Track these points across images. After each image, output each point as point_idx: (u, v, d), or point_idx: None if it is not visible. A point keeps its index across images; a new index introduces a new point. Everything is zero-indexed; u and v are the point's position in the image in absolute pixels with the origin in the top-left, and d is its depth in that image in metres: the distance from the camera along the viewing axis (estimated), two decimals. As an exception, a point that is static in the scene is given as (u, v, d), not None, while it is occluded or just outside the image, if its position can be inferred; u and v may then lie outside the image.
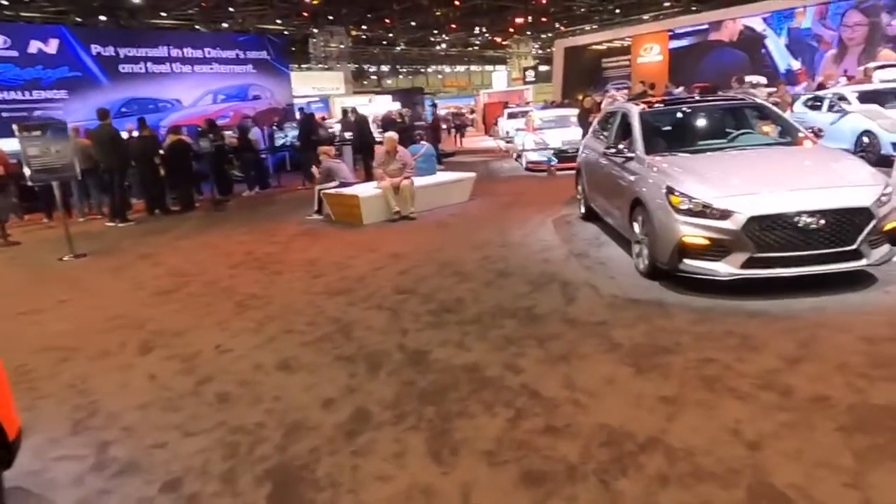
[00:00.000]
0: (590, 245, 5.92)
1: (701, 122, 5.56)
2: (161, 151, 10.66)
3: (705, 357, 3.26)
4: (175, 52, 16.05)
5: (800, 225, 3.83)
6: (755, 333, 3.50)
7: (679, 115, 5.70)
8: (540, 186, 10.48)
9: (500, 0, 29.86)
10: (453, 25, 34.96)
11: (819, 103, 10.52)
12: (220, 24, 30.58)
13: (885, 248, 4.03)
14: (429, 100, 19.96)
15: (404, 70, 52.44)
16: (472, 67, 56.53)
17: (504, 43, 43.91)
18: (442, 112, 34.68)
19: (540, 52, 45.37)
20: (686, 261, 4.15)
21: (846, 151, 9.69)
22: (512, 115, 20.42)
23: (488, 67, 54.12)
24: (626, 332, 3.72)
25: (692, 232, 4.07)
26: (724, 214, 3.95)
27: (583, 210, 6.99)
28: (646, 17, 34.33)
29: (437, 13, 32.29)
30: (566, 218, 7.36)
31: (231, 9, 29.14)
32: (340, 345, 3.94)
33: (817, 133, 5.07)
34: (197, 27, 29.13)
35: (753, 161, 4.58)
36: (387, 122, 17.04)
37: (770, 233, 3.87)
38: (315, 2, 29.15)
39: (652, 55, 26.68)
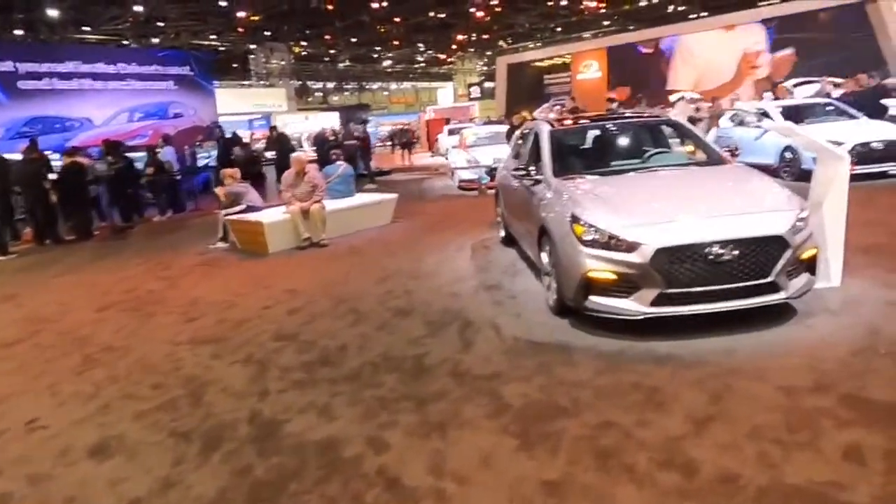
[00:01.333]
0: (504, 274, 5.42)
1: (614, 142, 5.19)
2: (53, 175, 9.61)
3: (604, 420, 2.75)
4: (85, 68, 14.87)
5: (711, 257, 3.42)
6: (663, 385, 3.03)
7: (592, 133, 5.30)
8: (469, 207, 10.01)
9: (442, 17, 29.71)
10: (396, 42, 34.65)
11: (743, 120, 10.51)
12: (151, 40, 29.23)
13: (804, 277, 3.68)
14: (360, 116, 19.31)
15: (349, 87, 51.74)
16: (420, 84, 56.43)
17: (449, 60, 43.99)
18: (387, 129, 34.26)
19: (485, 68, 45.69)
20: (592, 298, 3.68)
21: (769, 167, 9.85)
22: (452, 132, 20.06)
23: (435, 84, 54.18)
24: (521, 387, 3.18)
25: (598, 266, 3.60)
26: (631, 246, 3.51)
27: (503, 234, 6.52)
28: (586, 34, 35.03)
29: (382, 30, 31.90)
30: (487, 242, 6.86)
31: (160, 23, 27.89)
32: (182, 415, 3.23)
33: (733, 152, 4.75)
34: (125, 43, 27.70)
35: (665, 185, 4.18)
36: (319, 140, 16.36)
37: (680, 266, 3.44)
38: (255, 18, 28.26)
39: (591, 72, 27.03)
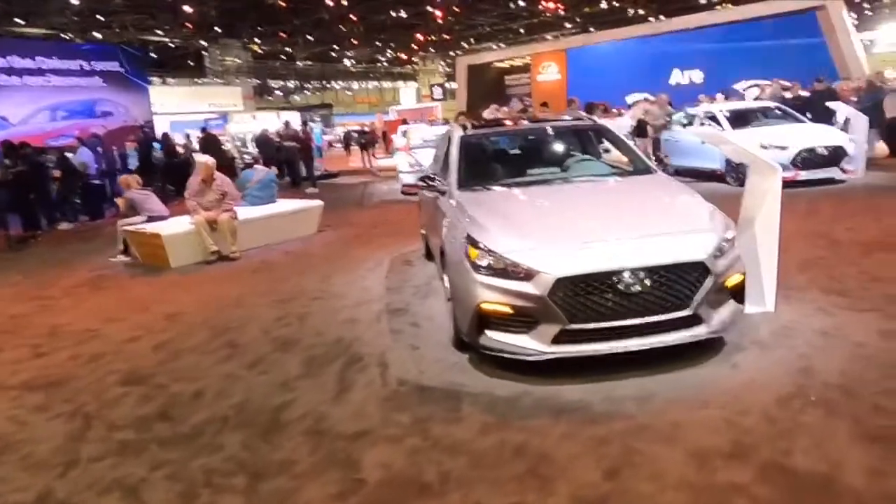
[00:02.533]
0: (415, 296, 4.83)
1: (533, 149, 4.65)
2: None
3: (472, 504, 2.18)
4: (-4, 62, 13.64)
5: (620, 287, 2.88)
6: (554, 451, 2.47)
7: (508, 139, 4.75)
8: (407, 213, 9.34)
9: (402, 17, 29.02)
10: (355, 41, 33.82)
11: (692, 122, 10.20)
12: (93, 34, 27.77)
13: (730, 307, 3.18)
14: (301, 116, 18.25)
15: (310, 86, 50.58)
16: (385, 84, 55.60)
17: (413, 60, 43.36)
18: (340, 130, 33.33)
19: (448, 69, 45.20)
20: (488, 333, 3.11)
21: (716, 171, 9.52)
22: (406, 134, 19.41)
23: (400, 84, 53.44)
24: (387, 451, 2.58)
25: (492, 297, 3.03)
26: (529, 274, 2.95)
27: (424, 247, 5.93)
28: (549, 36, 34.89)
29: (343, 29, 31.03)
30: (411, 256, 6.26)
31: (101, 17, 26.47)
32: (-48, 498, 2.52)
33: (663, 159, 4.25)
34: (67, 37, 26.18)
35: (578, 200, 3.64)
36: (261, 142, 15.53)
37: (585, 298, 2.90)
38: (206, 13, 27.08)
39: (550, 73, 26.83)
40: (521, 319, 3.00)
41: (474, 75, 28.66)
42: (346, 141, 26.94)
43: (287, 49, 36.49)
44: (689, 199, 3.51)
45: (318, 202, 8.22)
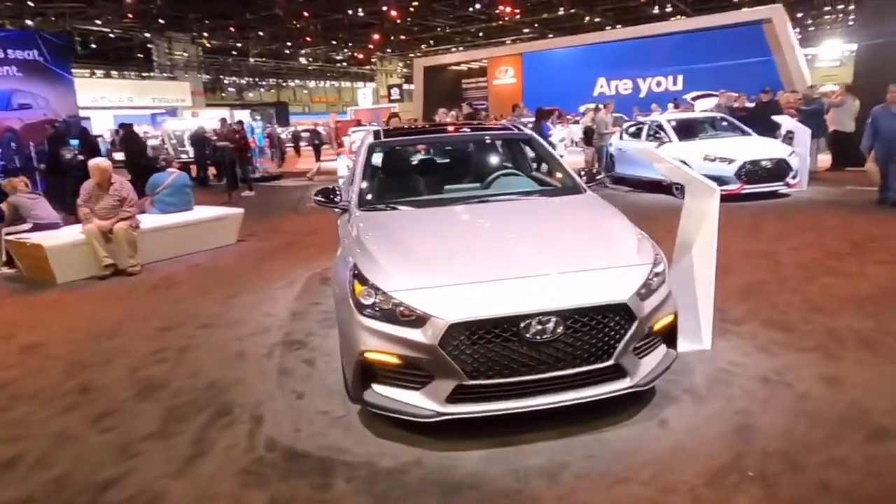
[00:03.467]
0: (322, 323, 4.23)
1: (453, 160, 4.13)
2: None
3: None
4: None
5: (527, 335, 2.38)
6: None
7: (423, 149, 4.22)
8: (341, 222, 8.76)
9: (358, 16, 28.24)
10: (308, 39, 32.83)
11: (640, 132, 9.94)
12: (26, 22, 25.96)
13: (660, 354, 2.73)
14: (245, 114, 17.30)
15: (265, 83, 49.09)
16: (344, 84, 54.51)
17: (371, 60, 42.60)
18: (296, 130, 32.27)
19: (406, 70, 44.67)
20: (375, 388, 2.56)
21: (663, 182, 9.27)
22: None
23: (359, 84, 52.50)
24: (219, 555, 1.99)
25: (377, 345, 2.49)
26: (420, 319, 2.42)
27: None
28: (508, 41, 34.77)
29: (298, 26, 29.99)
30: (330, 273, 5.65)
31: (33, 4, 24.74)
32: None
33: (594, 176, 3.80)
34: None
35: (493, 224, 3.12)
36: (197, 140, 14.59)
37: (485, 348, 2.39)
38: (147, 3, 25.65)
39: (507, 77, 26.68)
40: (412, 373, 2.47)
41: (431, 78, 28.24)
42: (295, 141, 25.96)
43: (238, 44, 35.11)
44: (615, 225, 3.03)
45: (237, 210, 7.50)
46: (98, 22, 28.06)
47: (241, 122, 12.70)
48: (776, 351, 3.32)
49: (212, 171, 15.07)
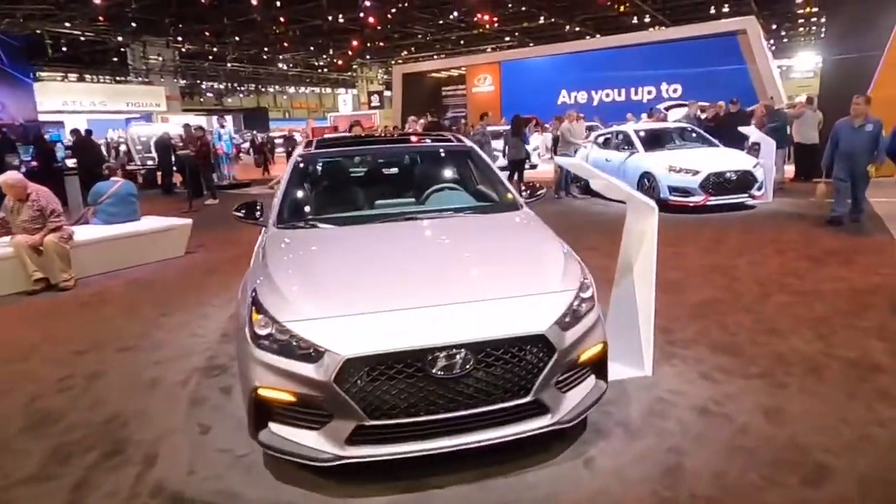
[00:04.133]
0: (251, 346, 3.96)
1: (389, 173, 3.91)
2: None
3: None
4: None
5: (434, 370, 2.16)
6: None
7: (357, 161, 3.98)
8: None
9: (337, 23, 28.01)
10: (286, 44, 32.52)
11: (608, 141, 9.83)
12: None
13: (586, 387, 2.52)
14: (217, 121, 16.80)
15: (244, 89, 48.57)
16: (325, 90, 54.18)
17: (352, 66, 42.40)
18: (273, 135, 31.84)
19: (387, 77, 44.52)
20: (272, 427, 2.31)
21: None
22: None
23: (340, 90, 52.23)
24: None
25: (272, 381, 2.24)
26: (316, 352, 2.18)
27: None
28: (489, 48, 34.79)
29: (276, 31, 29.66)
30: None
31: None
32: None
33: (535, 190, 3.59)
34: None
35: (416, 245, 2.88)
36: (161, 147, 14.20)
37: (387, 385, 2.16)
38: (131, 6, 25.15)
39: (485, 85, 26.72)
40: (309, 412, 2.23)
41: (411, 85, 28.15)
42: (259, 148, 23.14)
43: (214, 49, 34.66)
44: (543, 247, 2.81)
45: (186, 220, 7.20)
46: (68, 25, 27.44)
47: (201, 128, 12.31)
48: (720, 378, 3.14)
49: (178, 178, 14.69)
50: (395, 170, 3.94)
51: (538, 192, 3.56)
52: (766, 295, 4.49)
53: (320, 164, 3.77)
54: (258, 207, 3.37)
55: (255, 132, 27.05)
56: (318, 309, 2.29)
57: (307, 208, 3.36)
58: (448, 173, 3.82)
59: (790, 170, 10.81)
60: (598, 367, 2.56)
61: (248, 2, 23.68)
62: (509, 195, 3.43)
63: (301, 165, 3.54)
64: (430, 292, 2.35)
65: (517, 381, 2.26)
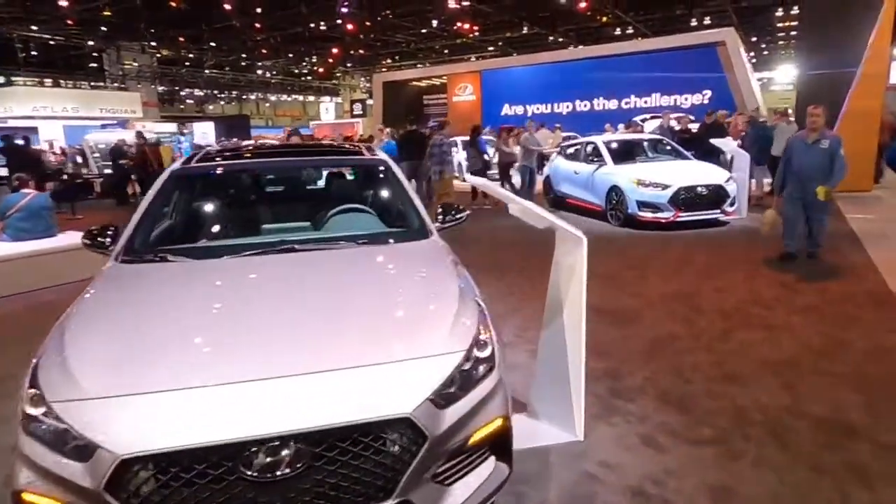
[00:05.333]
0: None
1: (285, 191, 3.34)
2: None
3: None
4: None
5: (251, 472, 1.59)
6: None
7: (242, 178, 3.38)
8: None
9: (322, 30, 27.50)
10: (264, 51, 31.97)
11: (578, 153, 9.35)
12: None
13: (482, 472, 1.95)
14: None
15: (224, 96, 47.86)
16: (309, 98, 53.57)
17: (335, 74, 41.94)
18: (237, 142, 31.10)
19: (370, 85, 44.10)
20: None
21: (598, 208, 8.64)
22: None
23: (324, 98, 51.71)
24: None
25: (37, 483, 1.66)
26: (89, 448, 1.60)
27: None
28: (473, 57, 34.49)
29: (257, 38, 29.09)
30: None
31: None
32: None
33: (455, 214, 3.02)
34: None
35: (274, 287, 2.27)
36: (115, 155, 13.52)
37: (185, 493, 1.58)
38: (107, 12, 24.49)
39: (466, 94, 26.37)
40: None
41: (391, 93, 27.72)
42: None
43: (190, 55, 34.03)
44: (436, 290, 2.24)
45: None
46: (34, 28, 26.66)
47: (140, 135, 11.65)
48: (665, 443, 2.60)
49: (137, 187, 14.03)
50: (296, 188, 3.37)
51: (457, 217, 2.99)
52: (730, 330, 3.97)
53: (198, 180, 3.18)
54: (110, 232, 2.77)
55: (223, 140, 26.27)
56: (100, 385, 1.71)
57: (165, 236, 2.77)
58: (356, 193, 3.25)
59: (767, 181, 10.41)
60: (499, 446, 2.00)
61: (224, 7, 23.16)
62: (417, 221, 2.87)
63: (170, 183, 2.95)
64: (259, 360, 1.78)
65: (375, 479, 1.69)
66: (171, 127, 32.05)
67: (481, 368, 1.96)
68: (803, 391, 3.05)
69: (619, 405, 2.96)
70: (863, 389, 3.04)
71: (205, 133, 31.30)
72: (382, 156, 3.25)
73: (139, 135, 11.50)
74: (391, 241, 2.71)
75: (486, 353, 2.00)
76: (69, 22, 25.58)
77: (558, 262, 2.72)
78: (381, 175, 3.21)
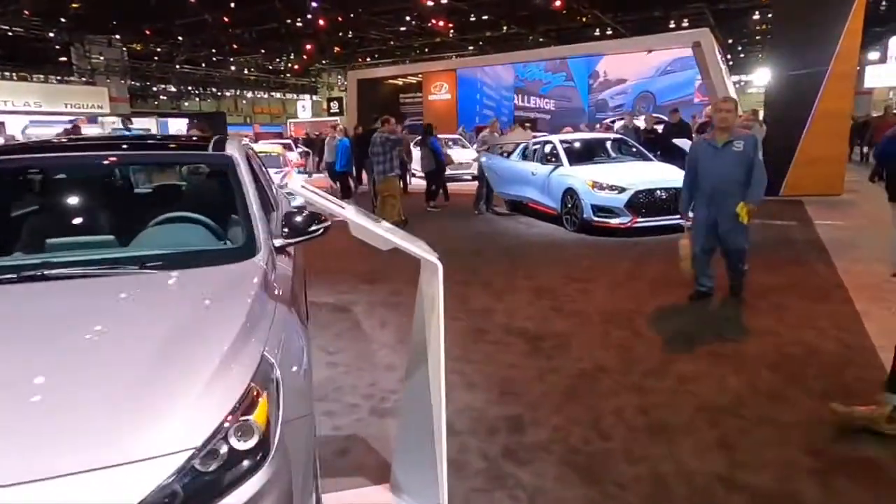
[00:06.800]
0: None
1: (94, 195, 2.64)
2: None
3: None
4: None
5: None
6: None
7: (24, 175, 2.62)
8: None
9: (297, 27, 26.73)
10: (235, 46, 31.06)
11: (535, 152, 8.72)
12: None
13: None
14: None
15: (198, 92, 46.69)
16: (289, 95, 52.55)
17: (312, 71, 41.11)
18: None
19: (346, 83, 43.32)
20: None
21: (554, 211, 8.02)
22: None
23: (304, 96, 50.77)
24: None
25: None
26: None
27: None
28: (453, 56, 33.93)
29: (231, 32, 28.19)
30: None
31: None
32: None
33: (300, 227, 2.31)
34: None
35: (26, 341, 1.56)
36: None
37: None
38: (75, 4, 23.46)
39: (441, 93, 25.81)
40: None
41: (366, 91, 27.02)
42: None
43: (159, 50, 32.99)
44: (193, 353, 1.50)
45: None
46: (-5, 19, 25.51)
47: (75, 126, 10.81)
48: (552, 533, 1.97)
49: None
50: (102, 192, 2.67)
51: (310, 230, 2.30)
52: (669, 362, 3.36)
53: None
54: None
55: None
56: None
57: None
58: (186, 199, 2.57)
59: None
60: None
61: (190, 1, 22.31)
62: (244, 236, 2.20)
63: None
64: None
65: None
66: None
67: (239, 468, 1.30)
68: (745, 449, 2.44)
69: (510, 472, 2.32)
70: (816, 451, 2.43)
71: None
72: (232, 152, 2.57)
73: (75, 128, 10.66)
74: (195, 264, 2.01)
75: (249, 442, 1.34)
76: (26, 13, 24.47)
77: (422, 292, 2.07)
78: (223, 177, 2.52)
